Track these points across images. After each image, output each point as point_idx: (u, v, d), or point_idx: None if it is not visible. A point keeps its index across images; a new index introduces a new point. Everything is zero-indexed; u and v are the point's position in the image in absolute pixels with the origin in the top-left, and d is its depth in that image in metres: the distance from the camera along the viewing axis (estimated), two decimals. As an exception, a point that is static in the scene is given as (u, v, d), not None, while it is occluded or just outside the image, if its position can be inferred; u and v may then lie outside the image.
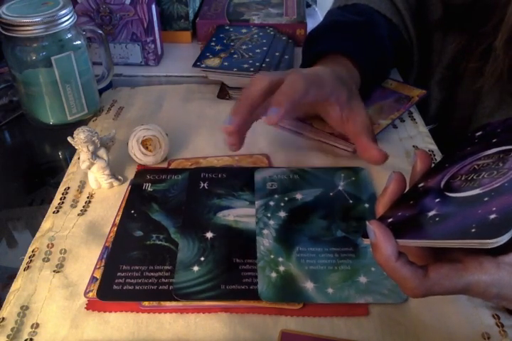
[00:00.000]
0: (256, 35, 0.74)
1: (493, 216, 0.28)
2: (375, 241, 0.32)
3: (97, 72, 0.64)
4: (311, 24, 0.83)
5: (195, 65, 0.67)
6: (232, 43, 0.72)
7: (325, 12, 0.91)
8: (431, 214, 0.31)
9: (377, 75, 0.61)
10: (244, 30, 0.76)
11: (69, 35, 0.57)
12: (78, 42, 0.58)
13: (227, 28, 0.77)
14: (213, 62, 0.66)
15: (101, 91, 0.67)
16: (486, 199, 0.29)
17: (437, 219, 0.31)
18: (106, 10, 0.70)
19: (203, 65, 0.66)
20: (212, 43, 0.72)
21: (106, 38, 0.63)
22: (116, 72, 0.72)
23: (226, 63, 0.67)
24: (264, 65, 0.66)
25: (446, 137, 0.61)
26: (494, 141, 0.35)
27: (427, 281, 0.31)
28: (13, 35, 0.54)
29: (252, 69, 0.65)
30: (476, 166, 0.33)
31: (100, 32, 0.62)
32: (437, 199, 0.32)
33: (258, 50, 0.70)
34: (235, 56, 0.68)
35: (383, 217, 0.34)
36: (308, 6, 0.92)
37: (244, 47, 0.71)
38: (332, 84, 0.50)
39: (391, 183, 0.36)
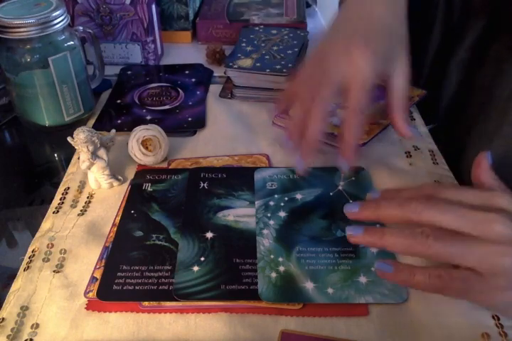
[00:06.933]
0: (286, 37, 0.73)
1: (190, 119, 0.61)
2: None
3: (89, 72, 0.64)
4: (311, 24, 0.83)
5: (227, 66, 0.66)
6: (263, 44, 0.71)
7: (325, 12, 0.91)
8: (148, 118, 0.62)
9: None
10: (274, 31, 0.75)
11: (63, 36, 0.56)
12: (72, 42, 0.57)
13: (256, 28, 0.76)
14: (245, 62, 0.66)
15: (100, 91, 0.68)
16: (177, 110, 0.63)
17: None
18: (106, 10, 0.70)
19: (235, 66, 0.66)
20: (243, 44, 0.72)
21: (95, 37, 0.62)
22: (117, 72, 0.72)
23: (258, 64, 0.66)
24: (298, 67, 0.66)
25: (446, 137, 0.61)
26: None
27: None
28: (7, 37, 0.54)
29: (284, 70, 0.65)
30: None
31: (89, 31, 0.61)
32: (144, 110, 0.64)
33: (289, 51, 0.69)
34: (267, 57, 0.68)
35: None
36: (308, 6, 0.92)
37: (275, 48, 0.70)
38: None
39: None
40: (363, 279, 0.41)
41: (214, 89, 0.69)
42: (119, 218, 0.48)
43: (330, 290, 0.40)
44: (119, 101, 0.66)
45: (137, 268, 0.42)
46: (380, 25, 0.48)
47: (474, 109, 0.56)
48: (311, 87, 0.47)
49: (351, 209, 0.40)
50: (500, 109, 0.50)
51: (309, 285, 0.41)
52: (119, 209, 0.49)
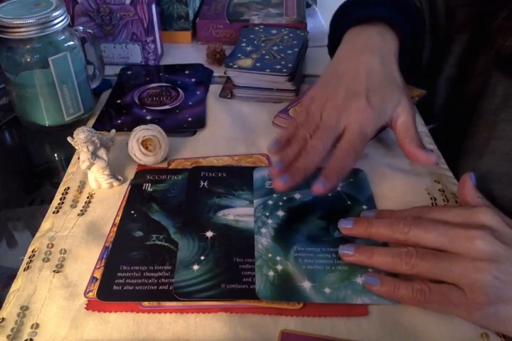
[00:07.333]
0: (286, 37, 0.73)
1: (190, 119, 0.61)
2: None
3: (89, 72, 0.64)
4: (311, 24, 0.83)
5: (227, 66, 0.66)
6: (263, 44, 0.71)
7: (325, 12, 0.91)
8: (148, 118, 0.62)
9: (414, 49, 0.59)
10: (274, 31, 0.75)
11: (63, 36, 0.56)
12: (72, 42, 0.57)
13: (256, 28, 0.76)
14: (245, 62, 0.66)
15: (100, 91, 0.68)
16: (177, 110, 0.63)
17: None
18: (106, 10, 0.70)
19: (235, 66, 0.66)
20: (243, 44, 0.71)
21: (95, 37, 0.62)
22: (117, 72, 0.72)
23: (258, 64, 0.66)
24: (298, 67, 0.66)
25: (446, 137, 0.61)
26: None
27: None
28: (7, 37, 0.54)
29: (284, 70, 0.65)
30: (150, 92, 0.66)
31: (89, 31, 0.61)
32: (144, 110, 0.63)
33: (289, 51, 0.69)
34: (267, 57, 0.68)
35: None
36: (308, 6, 0.92)
37: (275, 48, 0.70)
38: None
39: None
40: (360, 280, 0.41)
41: (214, 89, 0.69)
42: (119, 218, 0.48)
43: (327, 290, 0.40)
44: (119, 101, 0.66)
45: (137, 268, 0.43)
46: (376, 75, 0.50)
47: (463, 123, 0.57)
48: (308, 130, 0.48)
49: (345, 225, 0.43)
50: (489, 122, 0.50)
51: (306, 285, 0.41)
52: (119, 209, 0.49)
